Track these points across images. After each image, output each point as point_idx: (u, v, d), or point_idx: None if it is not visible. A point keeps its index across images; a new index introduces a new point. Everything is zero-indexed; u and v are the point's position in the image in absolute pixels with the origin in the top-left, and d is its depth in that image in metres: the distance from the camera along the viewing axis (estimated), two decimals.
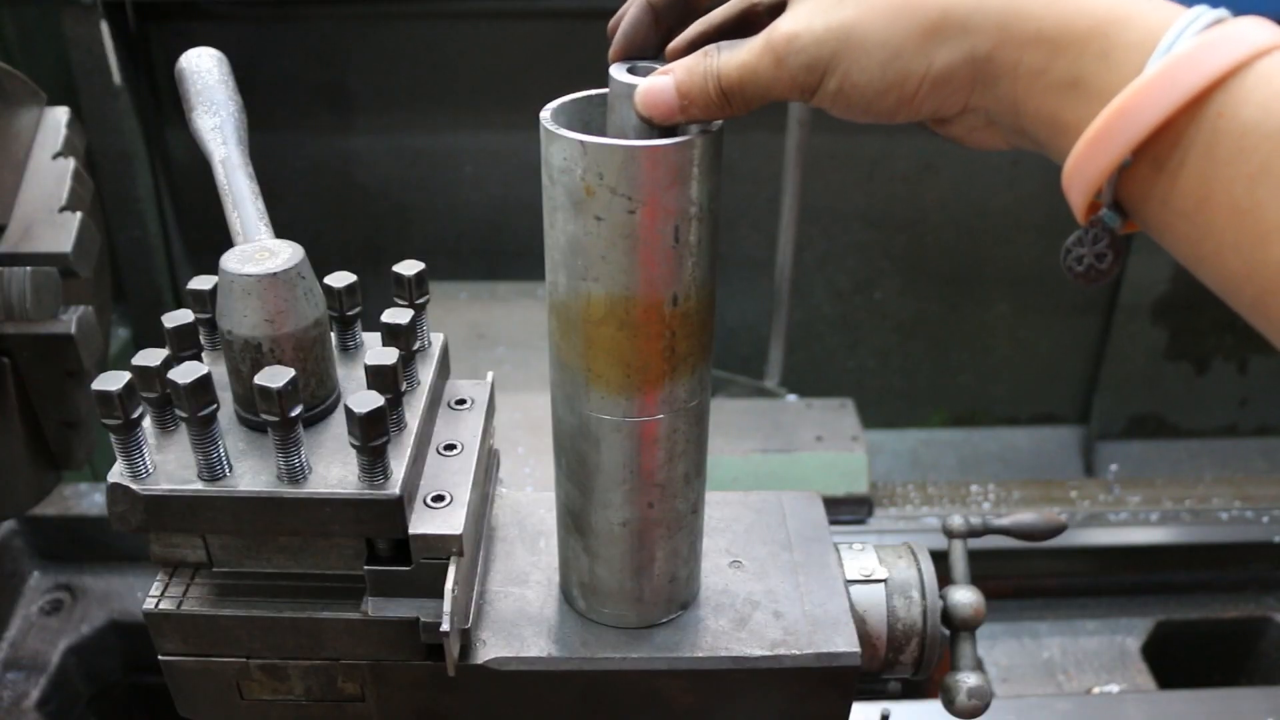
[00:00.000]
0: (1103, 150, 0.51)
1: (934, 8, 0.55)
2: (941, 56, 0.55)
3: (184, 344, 0.77)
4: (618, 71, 0.66)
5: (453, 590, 0.71)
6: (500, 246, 2.46)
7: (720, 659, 0.79)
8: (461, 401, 0.85)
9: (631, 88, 0.64)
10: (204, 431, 0.68)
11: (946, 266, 2.54)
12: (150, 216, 2.37)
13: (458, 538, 0.72)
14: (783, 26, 0.59)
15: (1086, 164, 0.52)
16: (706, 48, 0.63)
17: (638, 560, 0.78)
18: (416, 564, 0.73)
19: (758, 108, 0.62)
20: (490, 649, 0.80)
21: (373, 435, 0.68)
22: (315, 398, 0.75)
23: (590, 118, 0.69)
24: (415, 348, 0.82)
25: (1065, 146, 0.54)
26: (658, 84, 0.63)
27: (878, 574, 0.86)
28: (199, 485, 0.70)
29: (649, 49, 0.67)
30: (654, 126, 0.64)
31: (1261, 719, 1.47)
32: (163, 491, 0.70)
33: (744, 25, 0.64)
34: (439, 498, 0.75)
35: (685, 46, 0.66)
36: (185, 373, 0.66)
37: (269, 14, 2.26)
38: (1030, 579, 1.82)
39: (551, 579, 0.86)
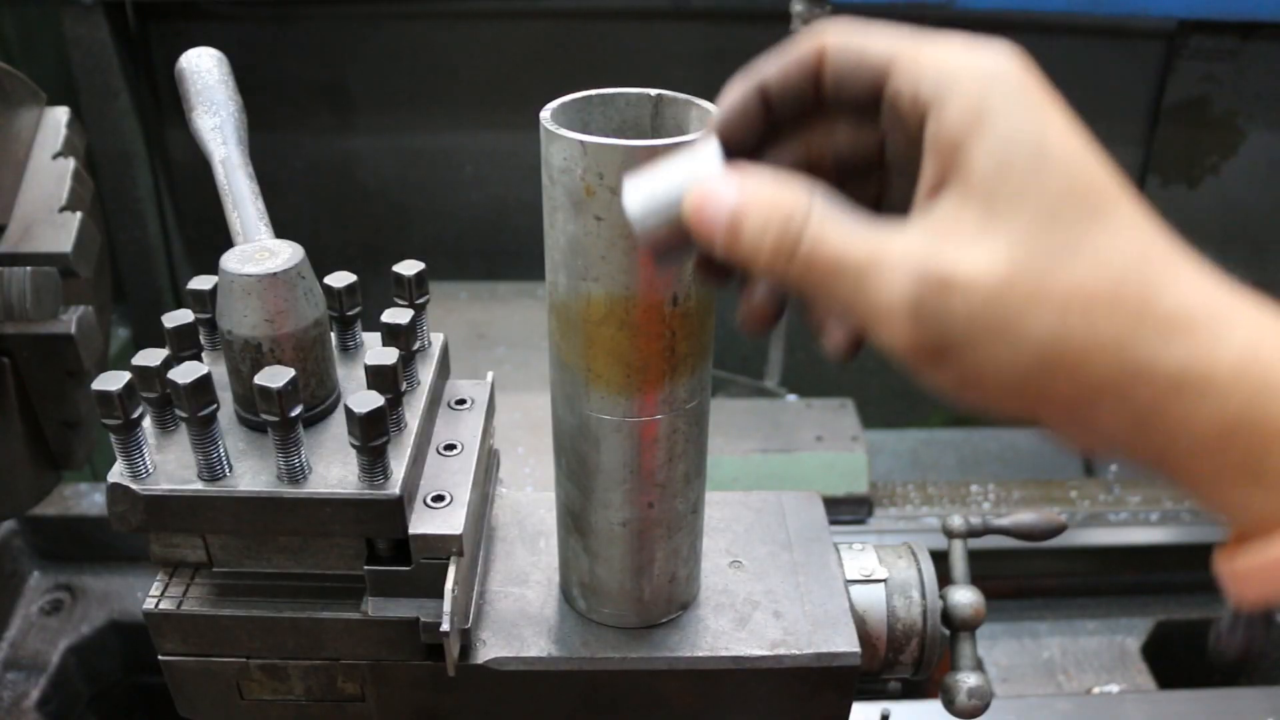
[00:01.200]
0: None
1: (1116, 331, 0.42)
2: (1089, 390, 0.43)
3: (184, 344, 0.77)
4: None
5: (453, 590, 0.71)
6: (500, 246, 2.47)
7: (720, 659, 0.79)
8: (461, 401, 0.85)
9: (683, 164, 0.49)
10: (204, 431, 0.68)
11: None
12: (150, 216, 2.37)
13: (458, 538, 0.72)
14: (947, 255, 0.43)
15: (1277, 574, 0.43)
16: (812, 192, 0.46)
17: (638, 560, 0.78)
18: (416, 564, 0.73)
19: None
20: (490, 649, 0.80)
21: (373, 435, 0.68)
22: (315, 398, 0.75)
23: (590, 118, 0.69)
24: (415, 348, 0.82)
25: (1230, 519, 0.45)
26: (716, 194, 0.47)
27: (878, 574, 0.86)
28: (199, 485, 0.70)
29: (749, 141, 0.52)
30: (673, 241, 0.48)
31: (1262, 719, 1.47)
32: (163, 491, 0.70)
33: (877, 159, 0.51)
34: (439, 498, 0.75)
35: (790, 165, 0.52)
36: (185, 373, 0.67)
37: (269, 14, 2.27)
38: (1030, 579, 1.82)
39: (551, 579, 0.86)
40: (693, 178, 0.48)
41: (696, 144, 0.49)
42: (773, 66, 0.50)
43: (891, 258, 0.43)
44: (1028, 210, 0.42)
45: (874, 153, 0.52)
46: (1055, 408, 0.44)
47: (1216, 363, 0.42)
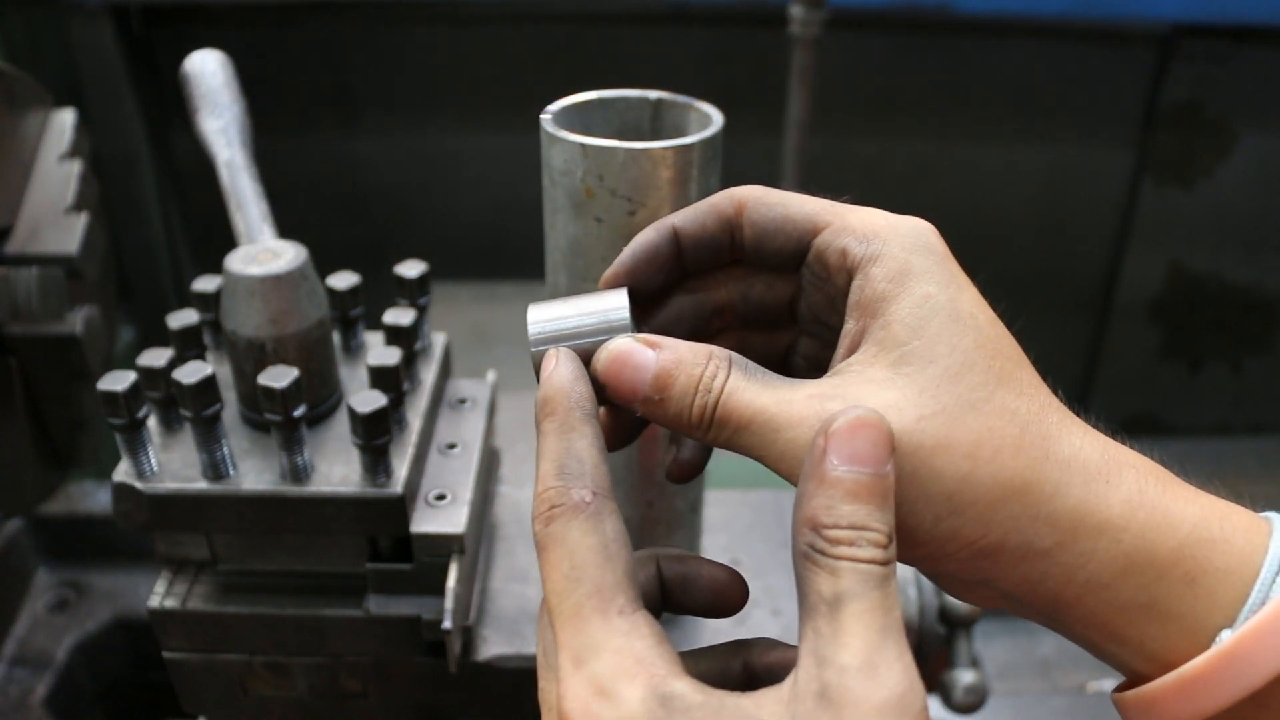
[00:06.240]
0: (1205, 693, 0.43)
1: (1021, 474, 0.43)
2: (997, 531, 0.43)
3: (188, 344, 0.78)
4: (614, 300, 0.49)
5: (454, 588, 0.72)
6: (501, 247, 2.47)
7: None
8: (463, 401, 0.86)
9: (601, 331, 0.48)
10: (208, 431, 0.69)
11: None
12: (155, 218, 2.38)
13: (459, 536, 0.73)
14: (852, 398, 0.44)
15: (1177, 703, 0.44)
16: (721, 356, 0.46)
17: None
18: (418, 562, 0.74)
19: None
20: (492, 646, 0.80)
21: (375, 434, 0.68)
22: (318, 397, 0.76)
23: (591, 120, 0.69)
24: (417, 348, 0.82)
25: (1123, 658, 0.47)
26: (637, 355, 0.46)
27: None
28: (203, 484, 0.71)
29: (653, 286, 0.52)
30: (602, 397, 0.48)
31: None
32: (167, 490, 0.70)
33: (789, 313, 0.53)
34: (441, 496, 0.75)
35: (708, 318, 0.53)
36: (190, 373, 0.67)
37: (273, 18, 2.27)
38: None
39: None
40: (601, 323, 0.49)
41: (605, 292, 0.50)
42: (689, 213, 0.51)
43: (799, 403, 0.44)
44: (939, 364, 0.44)
45: (784, 308, 0.54)
46: (957, 561, 0.45)
47: (1110, 505, 0.44)
